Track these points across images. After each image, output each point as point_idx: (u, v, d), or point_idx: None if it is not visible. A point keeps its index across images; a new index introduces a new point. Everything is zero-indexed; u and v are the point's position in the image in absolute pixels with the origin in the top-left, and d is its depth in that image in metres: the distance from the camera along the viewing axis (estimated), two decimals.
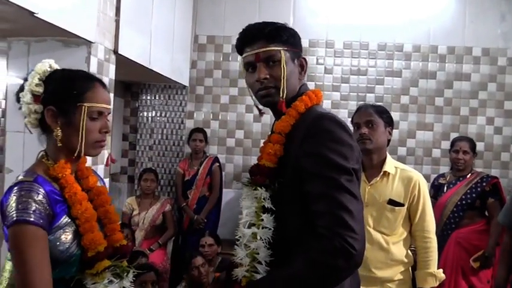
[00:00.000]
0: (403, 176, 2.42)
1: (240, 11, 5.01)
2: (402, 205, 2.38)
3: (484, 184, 3.71)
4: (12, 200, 1.34)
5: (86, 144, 1.46)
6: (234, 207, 4.94)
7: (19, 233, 1.32)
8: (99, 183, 1.62)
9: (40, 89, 1.45)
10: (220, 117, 5.13)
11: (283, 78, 1.42)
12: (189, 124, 5.12)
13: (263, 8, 4.97)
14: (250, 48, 1.46)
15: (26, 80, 1.50)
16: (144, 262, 3.71)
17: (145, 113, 5.20)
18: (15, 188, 1.36)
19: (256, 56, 1.44)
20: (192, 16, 5.02)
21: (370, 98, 4.97)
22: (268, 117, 5.22)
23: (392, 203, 2.38)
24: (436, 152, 4.97)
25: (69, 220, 1.42)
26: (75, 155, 1.45)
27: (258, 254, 1.39)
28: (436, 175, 4.20)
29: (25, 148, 2.75)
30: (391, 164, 2.45)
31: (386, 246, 2.38)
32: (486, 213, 3.79)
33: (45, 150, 1.51)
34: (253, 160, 4.95)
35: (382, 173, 2.42)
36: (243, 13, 4.99)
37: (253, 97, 1.52)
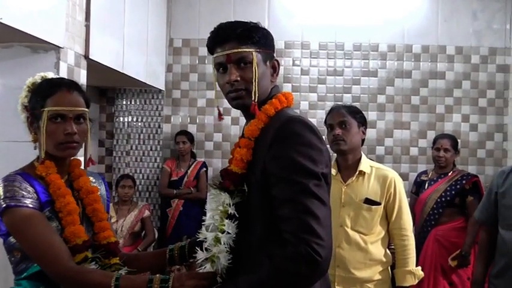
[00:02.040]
0: (379, 175, 2.43)
1: (215, 13, 4.97)
2: (379, 204, 2.38)
3: (464, 182, 3.74)
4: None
5: (51, 146, 1.53)
6: None
7: (12, 217, 1.41)
8: (96, 184, 1.71)
9: (25, 100, 1.59)
10: (197, 121, 5.09)
11: (255, 80, 1.39)
12: (166, 128, 5.07)
13: (238, 10, 4.95)
14: (221, 49, 1.42)
15: None
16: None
17: (121, 118, 5.13)
18: (0, 181, 1.46)
19: (227, 57, 1.41)
20: (167, 19, 4.97)
21: (347, 99, 4.98)
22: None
23: (368, 202, 2.38)
24: (414, 150, 5.00)
25: (51, 215, 1.49)
26: (42, 156, 1.54)
27: (218, 258, 1.36)
28: (414, 173, 4.23)
29: (18, 158, 2.66)
30: (366, 164, 2.46)
31: (365, 246, 2.38)
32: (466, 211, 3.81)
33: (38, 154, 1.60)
34: None
35: (357, 172, 2.42)
36: (217, 15, 4.94)
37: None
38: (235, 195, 1.40)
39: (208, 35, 1.47)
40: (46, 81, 1.61)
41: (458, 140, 4.01)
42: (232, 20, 1.47)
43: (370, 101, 4.99)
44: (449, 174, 3.82)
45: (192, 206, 4.67)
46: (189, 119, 5.09)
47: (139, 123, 5.09)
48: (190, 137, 4.79)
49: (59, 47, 2.64)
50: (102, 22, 3.20)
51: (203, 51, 5.04)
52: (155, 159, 5.07)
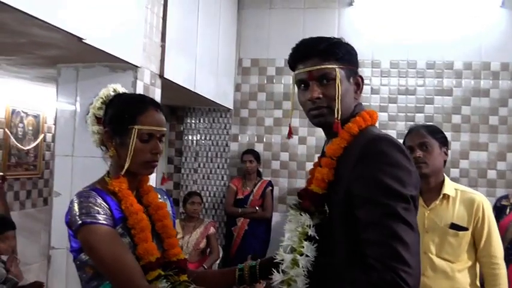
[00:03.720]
0: (465, 198, 2.28)
1: (284, 33, 4.99)
2: (466, 229, 2.24)
3: None
4: (74, 207, 1.43)
5: (137, 164, 1.52)
6: (280, 231, 4.84)
7: (87, 234, 1.40)
8: (161, 200, 1.68)
9: (101, 112, 1.57)
10: (264, 140, 5.09)
11: (338, 98, 1.33)
12: (234, 147, 5.11)
13: (307, 29, 4.93)
14: (303, 65, 1.38)
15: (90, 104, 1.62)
16: None
17: (190, 136, 5.23)
18: (74, 197, 1.46)
19: (309, 74, 1.36)
20: (236, 40, 5.05)
21: (420, 118, 4.81)
22: (313, 139, 5.19)
23: (455, 227, 2.24)
24: (492, 174, 4.72)
25: (123, 231, 1.48)
26: (122, 172, 1.52)
27: (296, 282, 1.30)
28: (491, 198, 3.97)
29: (73, 172, 2.79)
30: (450, 186, 2.32)
31: (452, 275, 2.24)
32: None
33: (108, 169, 1.60)
34: (299, 183, 4.95)
35: (441, 196, 2.29)
36: (286, 35, 4.97)
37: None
38: (315, 216, 1.34)
39: (290, 52, 1.43)
40: (129, 97, 1.61)
41: None
42: (314, 37, 1.43)
43: (444, 120, 4.79)
44: None
45: (258, 225, 4.66)
46: (256, 137, 5.11)
47: (208, 142, 5.17)
48: (257, 156, 4.80)
49: (136, 66, 2.73)
50: (176, 43, 3.29)
51: (271, 70, 5.07)
52: (222, 177, 5.11)
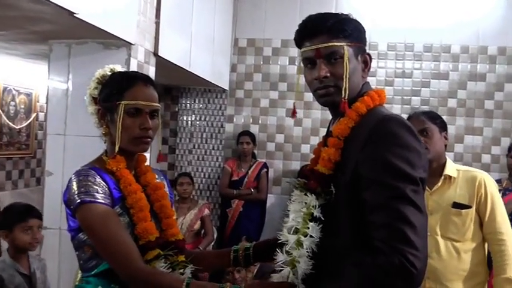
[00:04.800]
0: (467, 177, 2.29)
1: (281, 13, 4.93)
2: (469, 207, 2.24)
3: None
4: (73, 185, 1.41)
5: (126, 140, 1.50)
6: (274, 213, 4.86)
7: (86, 213, 1.38)
8: (158, 180, 1.67)
9: (95, 92, 1.56)
10: (260, 121, 5.06)
11: (346, 77, 1.29)
12: (229, 128, 5.08)
13: (304, 10, 4.86)
14: (310, 43, 1.32)
15: None
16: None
17: (185, 117, 5.19)
18: (73, 176, 1.44)
19: (317, 52, 1.31)
20: (232, 19, 4.98)
21: (416, 102, 4.79)
22: (309, 121, 5.16)
23: (457, 206, 2.25)
24: (486, 158, 4.73)
25: (122, 211, 1.47)
26: (116, 150, 1.50)
27: (299, 262, 1.28)
28: None
29: (65, 151, 2.75)
30: (452, 167, 2.32)
31: (457, 255, 2.24)
32: None
33: (106, 148, 1.59)
34: (294, 165, 4.94)
35: (443, 177, 2.30)
36: (283, 16, 4.91)
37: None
38: (321, 197, 1.31)
39: (296, 28, 1.38)
40: (120, 74, 1.58)
41: None
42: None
43: (440, 104, 4.77)
44: None
45: (252, 207, 4.66)
46: (251, 119, 5.08)
47: (203, 122, 5.14)
48: (253, 138, 4.79)
49: (130, 43, 2.68)
50: (171, 20, 3.23)
51: (268, 51, 5.02)
52: (217, 158, 5.09)
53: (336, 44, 1.30)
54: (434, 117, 2.35)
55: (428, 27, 4.79)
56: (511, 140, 4.52)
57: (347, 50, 1.30)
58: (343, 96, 1.30)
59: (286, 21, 4.91)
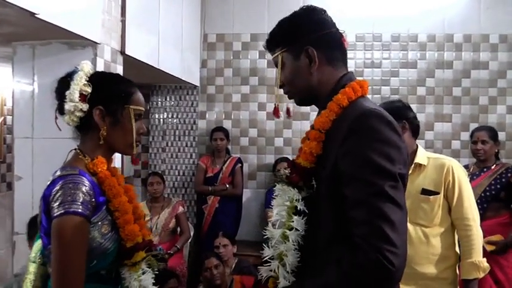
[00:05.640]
0: (436, 164, 2.35)
1: (249, 8, 4.92)
2: (437, 193, 2.30)
3: (510, 175, 3.57)
4: (60, 192, 1.36)
5: (125, 144, 1.54)
6: (251, 207, 4.87)
7: (67, 224, 1.34)
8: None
9: (88, 89, 1.50)
10: (232, 117, 5.05)
11: (278, 84, 1.41)
12: (202, 124, 5.06)
13: (272, 4, 4.86)
14: None
15: (67, 78, 1.52)
16: (162, 268, 3.64)
17: (157, 115, 5.14)
18: (61, 181, 1.39)
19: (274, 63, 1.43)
20: (201, 15, 4.95)
21: (386, 91, 4.85)
22: (282, 113, 5.18)
23: (425, 192, 2.31)
24: (456, 144, 4.83)
25: (107, 213, 1.46)
26: (116, 152, 1.55)
27: (286, 256, 1.30)
28: None
29: (34, 154, 2.70)
30: (423, 155, 2.38)
31: (426, 240, 2.30)
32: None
33: (79, 148, 1.54)
34: (268, 159, 4.94)
35: (413, 165, 2.35)
36: (252, 10, 4.90)
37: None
38: (303, 190, 1.33)
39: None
40: (120, 77, 1.62)
41: (503, 133, 3.84)
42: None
43: (409, 93, 4.84)
44: (493, 167, 3.66)
45: (228, 203, 4.65)
46: (224, 114, 5.06)
47: (175, 120, 5.10)
48: (226, 134, 4.76)
49: (95, 42, 2.63)
50: (137, 18, 3.19)
51: (237, 45, 5.00)
52: (191, 155, 5.06)
53: (273, 56, 1.41)
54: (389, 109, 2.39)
55: (395, 16, 4.85)
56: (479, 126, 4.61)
57: (282, 58, 1.39)
58: (299, 98, 1.41)
59: (255, 16, 4.90)
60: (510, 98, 4.79)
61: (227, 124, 5.00)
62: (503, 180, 3.57)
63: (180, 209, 4.38)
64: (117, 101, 1.51)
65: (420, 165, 2.35)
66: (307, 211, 1.30)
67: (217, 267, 3.51)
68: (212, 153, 4.81)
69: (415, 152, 2.38)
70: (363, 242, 1.12)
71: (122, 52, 2.99)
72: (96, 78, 1.53)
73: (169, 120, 5.11)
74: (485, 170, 3.67)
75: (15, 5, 1.92)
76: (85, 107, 1.49)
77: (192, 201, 5.03)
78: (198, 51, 4.95)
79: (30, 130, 2.71)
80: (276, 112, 1.61)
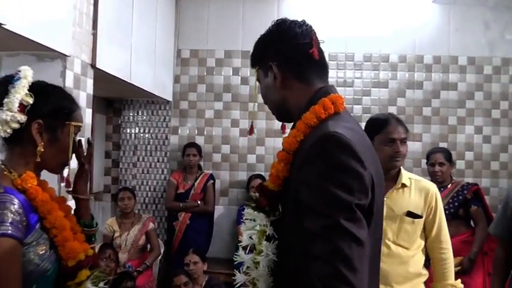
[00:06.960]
0: (420, 187, 2.38)
1: (223, 24, 4.94)
2: (421, 217, 2.33)
3: (465, 192, 3.69)
4: None
5: (57, 162, 1.46)
6: (222, 224, 4.83)
7: None
8: None
9: (30, 100, 1.38)
10: (205, 133, 5.02)
11: (263, 99, 1.41)
12: (174, 140, 5.01)
13: (246, 20, 4.89)
14: None
15: (5, 83, 1.39)
16: (130, 286, 3.55)
17: (128, 130, 5.07)
18: None
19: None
20: (175, 30, 4.94)
21: (358, 110, 4.91)
22: (255, 130, 5.14)
23: (411, 215, 2.32)
24: (425, 163, 4.89)
25: (42, 231, 1.35)
26: (45, 170, 1.44)
27: (258, 281, 1.26)
28: None
29: None
30: (406, 176, 2.40)
31: (406, 260, 2.33)
32: (471, 223, 3.76)
33: (3, 162, 1.41)
34: (241, 175, 4.92)
35: (399, 186, 2.37)
36: (226, 27, 4.92)
37: None
38: (271, 214, 1.28)
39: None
40: (62, 91, 1.50)
41: (471, 152, 3.89)
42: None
43: (380, 112, 4.89)
44: (449, 186, 3.75)
45: (200, 219, 4.60)
46: (196, 130, 5.03)
47: (147, 135, 5.03)
48: (199, 149, 4.73)
49: (65, 55, 2.58)
50: (109, 31, 3.15)
51: (211, 62, 5.00)
52: (162, 171, 5.00)
53: (256, 73, 1.41)
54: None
55: (368, 37, 4.93)
56: (448, 145, 4.70)
57: (258, 76, 1.40)
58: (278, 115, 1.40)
59: (229, 32, 4.92)
60: (478, 118, 4.91)
61: (200, 140, 4.97)
62: (460, 197, 3.68)
63: (151, 225, 4.31)
64: (59, 116, 1.43)
65: (404, 185, 2.37)
66: (276, 236, 1.25)
67: (186, 285, 3.46)
68: (184, 169, 4.76)
69: (398, 172, 2.39)
70: (318, 281, 1.03)
71: (93, 65, 2.94)
72: (39, 89, 1.41)
73: (141, 135, 5.04)
74: (442, 189, 3.72)
75: None
76: (23, 118, 1.37)
77: (163, 218, 4.95)
78: (172, 66, 4.93)
79: None
80: (251, 130, 1.68)
